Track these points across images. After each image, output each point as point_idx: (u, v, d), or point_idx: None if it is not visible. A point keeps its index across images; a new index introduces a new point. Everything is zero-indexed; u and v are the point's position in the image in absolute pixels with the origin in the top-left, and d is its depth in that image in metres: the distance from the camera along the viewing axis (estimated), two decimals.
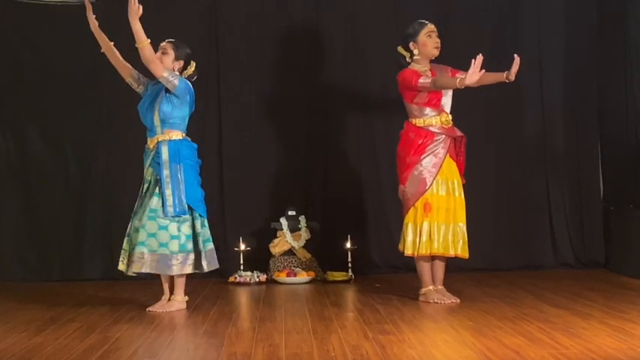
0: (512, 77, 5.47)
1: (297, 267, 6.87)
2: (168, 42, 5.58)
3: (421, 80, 5.56)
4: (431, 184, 5.56)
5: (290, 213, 7.02)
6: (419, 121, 5.67)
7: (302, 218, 7.01)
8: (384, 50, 6.72)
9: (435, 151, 5.61)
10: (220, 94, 7.20)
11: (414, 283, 5.87)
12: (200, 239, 5.44)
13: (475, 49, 7.13)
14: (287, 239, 6.95)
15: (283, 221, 6.99)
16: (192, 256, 5.40)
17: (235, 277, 6.78)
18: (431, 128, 5.64)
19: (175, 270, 5.36)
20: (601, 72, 7.25)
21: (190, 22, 7.15)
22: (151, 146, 5.52)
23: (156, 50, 5.40)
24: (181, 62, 5.57)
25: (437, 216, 5.55)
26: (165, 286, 5.53)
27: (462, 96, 7.03)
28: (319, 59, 7.23)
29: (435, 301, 5.52)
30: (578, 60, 7.31)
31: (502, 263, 7.12)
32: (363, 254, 6.96)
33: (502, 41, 7.27)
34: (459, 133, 5.74)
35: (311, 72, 7.22)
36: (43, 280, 6.93)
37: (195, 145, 5.61)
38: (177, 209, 5.36)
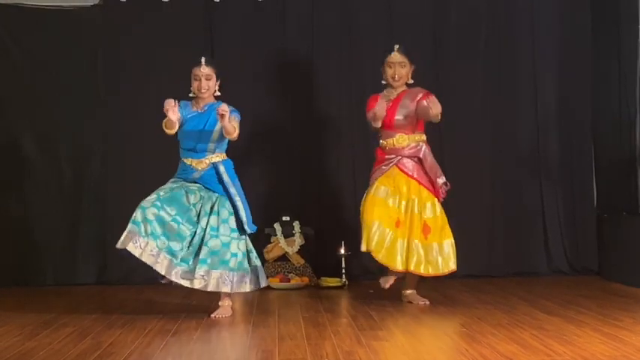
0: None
1: (291, 273, 6.87)
2: (207, 65, 5.44)
3: (369, 114, 5.80)
4: (372, 186, 5.77)
5: (284, 219, 7.02)
6: (381, 142, 5.88)
7: (296, 224, 7.00)
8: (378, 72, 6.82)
9: (383, 167, 5.82)
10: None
11: None
12: (252, 256, 5.45)
13: (469, 59, 7.22)
14: (281, 245, 6.95)
15: (277, 227, 6.98)
16: (248, 274, 5.37)
17: None
18: (386, 149, 5.87)
19: (234, 288, 5.32)
20: (595, 81, 7.27)
21: (185, 51, 7.13)
22: (200, 167, 5.45)
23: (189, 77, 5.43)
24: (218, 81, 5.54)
25: (382, 219, 5.67)
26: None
27: (457, 104, 7.06)
28: (315, 80, 7.24)
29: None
30: (572, 69, 7.32)
31: (496, 270, 7.13)
32: (357, 260, 6.93)
33: (496, 50, 7.29)
34: (408, 152, 5.81)
35: (307, 86, 7.24)
36: (36, 284, 6.91)
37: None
38: (252, 226, 5.41)
